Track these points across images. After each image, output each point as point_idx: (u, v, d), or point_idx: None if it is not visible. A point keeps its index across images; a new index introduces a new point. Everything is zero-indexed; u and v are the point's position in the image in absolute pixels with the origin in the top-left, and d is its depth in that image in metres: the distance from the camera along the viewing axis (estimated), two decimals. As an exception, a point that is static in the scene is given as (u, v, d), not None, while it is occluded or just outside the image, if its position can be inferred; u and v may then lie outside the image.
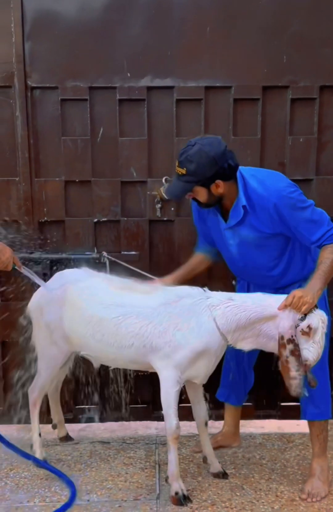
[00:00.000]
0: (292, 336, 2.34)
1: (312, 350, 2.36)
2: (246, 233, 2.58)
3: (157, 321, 2.50)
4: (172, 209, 3.25)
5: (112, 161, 3.23)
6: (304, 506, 2.56)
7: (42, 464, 2.81)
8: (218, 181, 2.47)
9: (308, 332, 2.34)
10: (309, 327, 2.34)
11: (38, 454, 2.84)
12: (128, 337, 2.53)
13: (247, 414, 3.43)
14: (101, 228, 3.30)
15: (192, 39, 3.11)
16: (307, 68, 3.14)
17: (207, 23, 3.10)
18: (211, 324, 2.46)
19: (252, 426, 3.44)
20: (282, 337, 2.35)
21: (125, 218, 3.27)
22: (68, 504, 2.50)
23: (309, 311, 2.34)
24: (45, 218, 3.25)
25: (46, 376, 2.83)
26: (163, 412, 2.55)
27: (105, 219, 3.27)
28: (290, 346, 2.33)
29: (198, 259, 2.92)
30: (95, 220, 3.27)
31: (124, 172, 3.24)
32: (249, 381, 3.09)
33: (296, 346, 2.34)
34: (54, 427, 3.16)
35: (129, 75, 3.14)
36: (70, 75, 3.13)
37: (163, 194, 3.16)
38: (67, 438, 3.19)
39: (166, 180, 3.18)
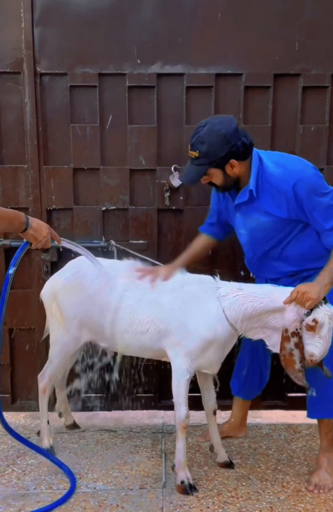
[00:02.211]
0: (296, 329, 2.32)
1: (318, 345, 2.34)
2: (257, 217, 2.53)
3: (171, 307, 2.51)
4: (181, 198, 3.23)
5: (121, 149, 3.21)
6: (310, 497, 2.55)
7: (43, 453, 2.79)
8: (233, 161, 2.41)
9: (314, 326, 2.31)
10: (314, 321, 2.31)
11: (46, 442, 2.84)
12: (143, 323, 2.55)
13: (254, 405, 3.42)
14: (109, 217, 3.28)
15: (203, 25, 3.08)
16: (319, 56, 3.10)
17: (218, 9, 3.06)
18: (220, 314, 2.46)
19: (259, 417, 3.44)
20: (286, 330, 2.34)
21: (134, 207, 3.26)
22: (67, 496, 2.49)
23: (315, 306, 2.31)
24: (53, 206, 3.24)
25: (57, 363, 2.83)
26: (174, 400, 2.55)
27: (113, 207, 3.26)
28: (294, 339, 2.32)
29: (202, 241, 2.85)
30: (104, 208, 3.25)
31: (133, 160, 3.21)
32: (264, 378, 3.06)
33: (300, 339, 2.32)
34: (60, 415, 3.17)
35: (139, 61, 3.11)
36: (79, 62, 3.11)
37: (172, 182, 3.15)
38: (73, 426, 3.20)
39: (175, 168, 3.15)
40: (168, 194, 3.20)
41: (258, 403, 3.44)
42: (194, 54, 3.10)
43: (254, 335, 2.50)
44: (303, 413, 3.15)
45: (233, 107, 3.16)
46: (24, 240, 2.34)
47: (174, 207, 3.25)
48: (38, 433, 2.96)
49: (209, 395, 2.77)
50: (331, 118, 3.18)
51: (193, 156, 2.43)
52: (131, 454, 2.94)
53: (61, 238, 2.48)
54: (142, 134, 3.19)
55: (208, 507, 2.44)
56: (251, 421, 3.34)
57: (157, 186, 3.23)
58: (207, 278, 2.58)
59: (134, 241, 3.26)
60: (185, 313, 2.49)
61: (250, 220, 2.57)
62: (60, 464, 2.73)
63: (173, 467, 2.65)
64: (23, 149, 3.20)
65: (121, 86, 3.14)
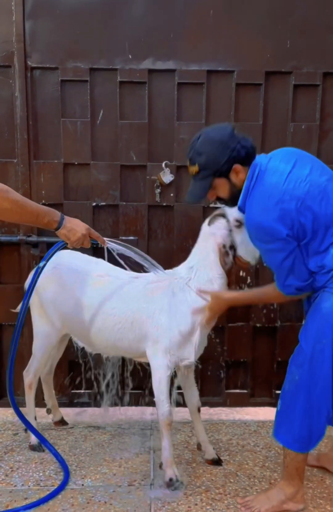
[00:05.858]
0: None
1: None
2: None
3: (144, 307, 2.54)
4: (172, 194, 3.22)
5: (112, 144, 3.20)
6: (298, 494, 2.56)
7: (46, 444, 2.82)
8: (237, 166, 2.20)
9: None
10: None
11: (33, 438, 2.84)
12: (117, 327, 2.57)
13: (242, 401, 3.44)
14: (99, 212, 3.27)
15: (195, 22, 3.07)
16: (310, 54, 3.11)
17: (210, 6, 3.06)
18: (193, 299, 2.51)
19: (247, 413, 3.44)
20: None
21: (124, 203, 3.24)
22: (60, 487, 2.51)
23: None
24: (43, 201, 3.21)
25: (40, 356, 2.83)
26: (155, 399, 2.56)
27: (103, 203, 3.24)
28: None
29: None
30: (94, 204, 3.24)
31: (123, 156, 3.20)
32: None
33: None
34: (48, 411, 3.15)
35: (130, 57, 3.09)
36: (70, 56, 3.09)
37: (163, 179, 3.14)
38: (62, 422, 3.19)
39: (166, 164, 3.15)
40: (158, 190, 3.20)
41: (246, 400, 3.46)
42: (186, 50, 3.09)
43: None
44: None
45: (224, 104, 3.16)
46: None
47: (164, 204, 3.24)
48: (26, 429, 2.94)
49: (192, 393, 2.78)
50: (322, 116, 3.20)
51: (194, 172, 2.25)
52: (119, 450, 2.93)
53: (107, 239, 2.49)
54: (133, 129, 3.18)
55: (196, 504, 2.44)
56: (239, 418, 3.35)
57: (147, 182, 3.22)
58: (180, 273, 2.60)
59: (124, 237, 3.25)
60: (159, 311, 2.52)
61: None
62: (57, 455, 2.76)
63: (160, 465, 2.64)
64: (13, 143, 3.18)
65: (113, 81, 3.13)
